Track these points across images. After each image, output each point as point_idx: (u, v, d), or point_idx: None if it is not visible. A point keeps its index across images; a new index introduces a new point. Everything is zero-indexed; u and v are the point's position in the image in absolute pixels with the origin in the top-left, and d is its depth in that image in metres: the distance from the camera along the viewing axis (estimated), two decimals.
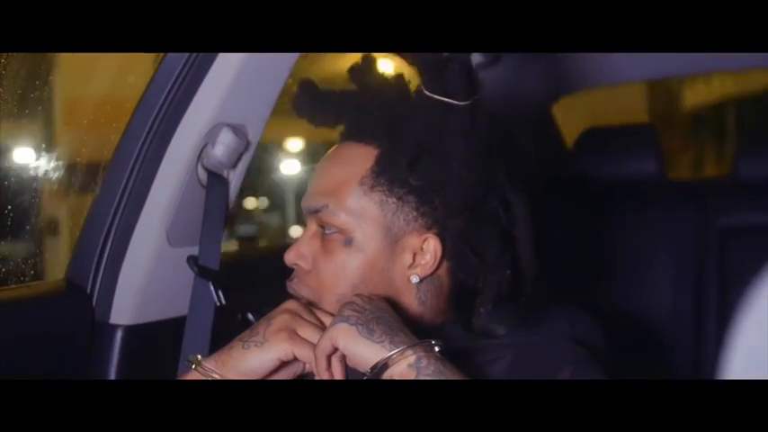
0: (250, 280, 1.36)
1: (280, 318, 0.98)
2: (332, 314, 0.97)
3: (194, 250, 1.30)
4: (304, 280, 1.04)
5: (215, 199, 1.31)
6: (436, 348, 0.90)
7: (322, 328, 0.97)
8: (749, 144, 2.05)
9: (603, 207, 1.99)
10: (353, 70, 1.07)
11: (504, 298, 1.02)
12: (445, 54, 1.01)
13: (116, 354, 1.28)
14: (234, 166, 1.35)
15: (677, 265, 1.94)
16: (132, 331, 1.30)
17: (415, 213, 1.02)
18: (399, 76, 1.07)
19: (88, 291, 1.30)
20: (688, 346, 1.90)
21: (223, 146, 1.30)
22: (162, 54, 1.30)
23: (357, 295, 0.97)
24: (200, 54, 1.26)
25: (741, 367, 0.48)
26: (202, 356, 1.01)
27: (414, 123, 1.01)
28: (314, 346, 0.94)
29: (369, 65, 1.07)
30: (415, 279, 1.02)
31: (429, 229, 1.02)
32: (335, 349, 0.92)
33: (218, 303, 1.26)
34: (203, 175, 1.31)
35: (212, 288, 1.26)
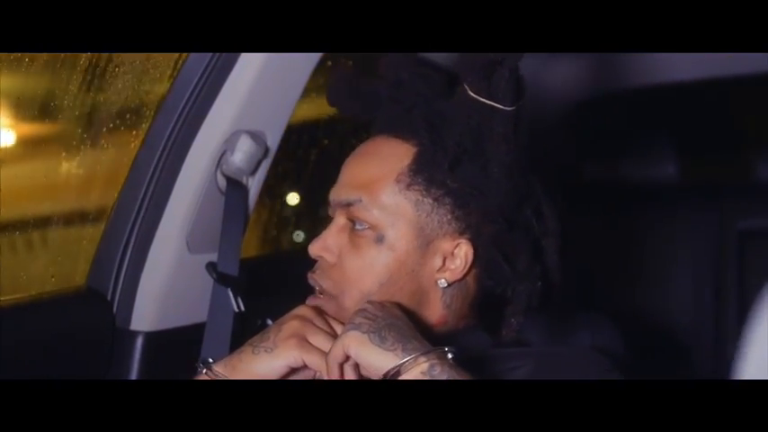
0: (270, 285, 1.37)
1: (290, 324, 0.97)
2: (342, 322, 0.96)
3: (214, 257, 1.30)
4: (327, 272, 1.02)
5: (234, 206, 1.31)
6: (449, 355, 0.88)
7: (333, 335, 0.96)
8: None
9: (622, 210, 1.98)
10: (387, 63, 1.05)
11: (533, 309, 1.01)
12: (494, 56, 0.97)
13: (137, 360, 1.29)
14: (253, 172, 1.35)
15: (697, 269, 1.93)
16: (153, 338, 1.30)
17: (449, 216, 1.00)
18: (440, 73, 1.04)
19: (109, 297, 1.30)
20: (708, 349, 1.89)
21: (242, 153, 1.30)
22: (181, 58, 1.30)
23: (369, 302, 0.95)
24: (219, 62, 1.27)
25: (756, 366, 0.48)
26: (214, 361, 1.00)
27: (456, 124, 0.98)
28: (324, 354, 0.93)
29: (405, 58, 1.04)
30: (443, 283, 1.00)
31: (462, 233, 1.00)
32: (347, 357, 0.91)
33: (237, 309, 1.26)
34: (222, 182, 1.32)
35: (231, 294, 1.27)
